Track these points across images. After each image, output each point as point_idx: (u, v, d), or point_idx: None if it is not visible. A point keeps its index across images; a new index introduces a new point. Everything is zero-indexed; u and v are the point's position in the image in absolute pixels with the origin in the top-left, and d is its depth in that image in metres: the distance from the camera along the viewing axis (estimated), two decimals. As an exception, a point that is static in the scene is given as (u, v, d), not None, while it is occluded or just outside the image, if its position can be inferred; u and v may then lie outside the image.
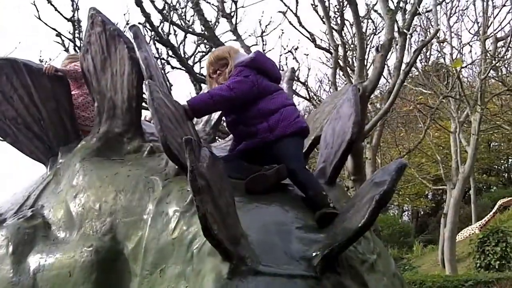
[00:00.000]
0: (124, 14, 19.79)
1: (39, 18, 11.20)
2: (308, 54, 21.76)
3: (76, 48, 11.19)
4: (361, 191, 2.90)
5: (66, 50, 11.30)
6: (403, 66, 11.19)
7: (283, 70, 13.58)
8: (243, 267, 2.57)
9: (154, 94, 3.08)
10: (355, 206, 2.77)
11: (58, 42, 11.30)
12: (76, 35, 11.24)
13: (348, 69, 12.67)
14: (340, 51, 11.41)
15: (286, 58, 15.27)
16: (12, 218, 3.90)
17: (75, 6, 11.38)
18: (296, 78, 13.85)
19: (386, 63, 14.04)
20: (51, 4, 11.01)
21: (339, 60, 11.35)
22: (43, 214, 3.81)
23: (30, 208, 3.94)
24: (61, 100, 4.25)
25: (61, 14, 11.15)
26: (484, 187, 33.98)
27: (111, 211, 3.45)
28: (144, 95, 3.57)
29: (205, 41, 11.54)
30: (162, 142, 2.96)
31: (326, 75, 15.98)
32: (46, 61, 12.37)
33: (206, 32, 10.75)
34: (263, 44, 13.23)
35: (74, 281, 3.24)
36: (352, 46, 13.92)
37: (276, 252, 2.73)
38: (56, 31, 11.30)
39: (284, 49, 14.23)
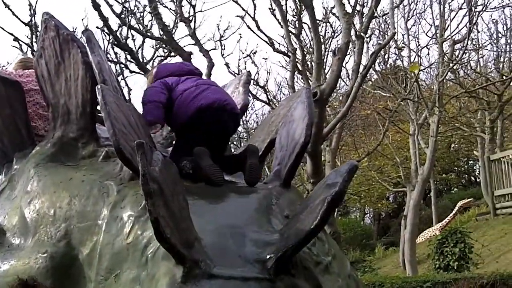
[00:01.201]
0: (82, 19, 19.62)
1: (-4, 23, 11.04)
2: (267, 58, 21.96)
3: (34, 53, 11.01)
4: (314, 193, 2.95)
5: (24, 54, 11.14)
6: (361, 69, 11.34)
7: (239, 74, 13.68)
8: (197, 270, 2.58)
9: (106, 98, 3.08)
10: (308, 208, 2.80)
11: (15, 47, 11.17)
12: (34, 39, 11.08)
13: (307, 72, 12.78)
14: (298, 54, 11.52)
15: (245, 62, 15.33)
16: (-36, 227, 3.83)
17: (32, 10, 11.23)
18: (255, 82, 13.93)
19: (344, 66, 14.23)
20: (9, 9, 10.83)
21: (297, 64, 11.45)
22: (-3, 221, 3.76)
23: (-16, 215, 3.88)
24: (16, 106, 4.18)
25: (18, 18, 11.00)
26: (445, 188, 34.57)
27: (65, 216, 3.43)
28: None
29: (164, 45, 11.51)
30: (115, 146, 2.96)
31: (286, 78, 16.10)
32: (4, 66, 12.15)
33: (164, 36, 10.71)
34: (222, 49, 13.28)
35: (28, 288, 3.20)
36: (310, 49, 14.04)
37: (230, 255, 2.74)
38: (13, 35, 11.14)
39: (243, 53, 14.29)
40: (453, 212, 22.08)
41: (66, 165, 3.82)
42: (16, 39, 11.27)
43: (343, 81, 17.78)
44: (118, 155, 2.98)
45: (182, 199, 2.72)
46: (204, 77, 4.64)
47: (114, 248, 3.08)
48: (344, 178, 2.67)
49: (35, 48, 10.98)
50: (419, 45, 20.21)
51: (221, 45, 12.93)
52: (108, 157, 3.79)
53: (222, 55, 13.20)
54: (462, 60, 19.13)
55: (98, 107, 3.74)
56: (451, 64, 17.62)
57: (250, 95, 13.17)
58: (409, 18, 18.79)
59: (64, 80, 3.96)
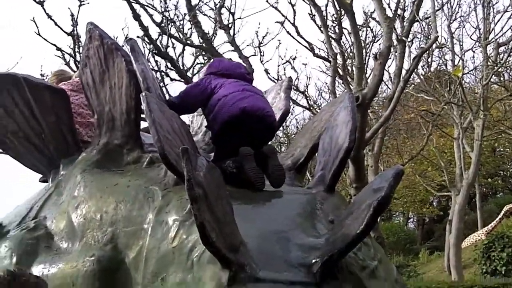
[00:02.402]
0: (123, 29, 19.89)
1: (39, 34, 11.27)
2: (307, 64, 21.82)
3: (76, 62, 11.24)
4: (359, 198, 2.92)
5: (67, 64, 11.37)
6: (403, 73, 11.23)
7: (280, 80, 13.67)
8: (242, 274, 2.59)
9: (151, 106, 3.12)
10: (353, 213, 2.78)
11: (58, 56, 11.39)
12: (76, 49, 11.29)
13: (348, 77, 12.71)
14: (339, 59, 11.45)
15: (285, 68, 15.27)
16: (15, 230, 3.93)
17: (74, 21, 11.45)
18: (295, 88, 13.90)
19: (386, 70, 14.09)
20: (51, 19, 11.08)
21: (338, 69, 11.38)
22: (46, 225, 3.85)
23: (33, 219, 3.98)
24: (61, 113, 4.28)
25: (61, 28, 11.22)
26: (490, 193, 33.88)
27: (112, 221, 3.48)
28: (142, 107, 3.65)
29: (204, 52, 11.58)
30: (160, 152, 2.99)
31: (326, 83, 16.03)
32: (47, 75, 12.44)
33: (204, 44, 10.81)
34: (261, 55, 13.26)
35: (77, 291, 3.26)
36: (351, 54, 13.96)
37: (276, 259, 2.75)
38: (56, 46, 11.36)
39: (282, 59, 14.23)
40: (499, 216, 21.62)
41: (111, 171, 3.88)
42: (58, 49, 11.49)
43: (386, 84, 17.61)
44: (163, 160, 3.02)
45: (226, 204, 2.73)
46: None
47: (160, 252, 3.11)
48: (390, 183, 2.63)
49: (77, 58, 11.26)
50: (463, 48, 19.90)
51: (260, 52, 12.93)
52: (152, 162, 3.84)
53: (261, 61, 13.18)
54: (507, 62, 18.75)
55: (142, 115, 3.83)
56: (495, 67, 17.30)
57: (291, 100, 13.14)
58: (452, 21, 18.51)
59: (109, 88, 4.04)
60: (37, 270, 3.54)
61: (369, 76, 12.67)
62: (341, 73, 11.66)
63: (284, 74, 13.95)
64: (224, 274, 2.61)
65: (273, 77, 13.54)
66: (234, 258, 2.59)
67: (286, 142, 18.88)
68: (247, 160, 3.52)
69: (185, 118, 4.75)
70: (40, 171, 4.52)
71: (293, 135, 19.02)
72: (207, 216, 2.47)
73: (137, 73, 3.65)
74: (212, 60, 4.29)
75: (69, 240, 3.66)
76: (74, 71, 11.21)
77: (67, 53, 11.53)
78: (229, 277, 2.59)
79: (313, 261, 2.73)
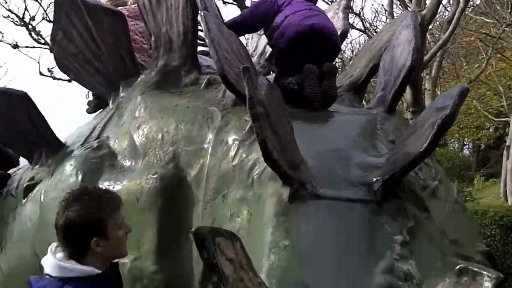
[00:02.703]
0: None
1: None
2: (364, -15, 21.11)
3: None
4: (422, 117, 2.88)
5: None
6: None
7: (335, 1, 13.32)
8: (303, 191, 2.63)
9: (210, 25, 3.10)
10: (416, 132, 2.75)
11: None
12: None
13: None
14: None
15: None
16: (79, 149, 4.06)
17: None
18: (350, 10, 13.53)
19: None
20: None
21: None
22: (109, 144, 3.95)
23: (96, 139, 4.08)
24: (119, 35, 4.29)
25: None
26: (549, 118, 32.85)
27: (173, 140, 3.55)
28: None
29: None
30: (220, 73, 2.99)
31: (382, 5, 15.51)
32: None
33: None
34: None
35: (141, 207, 3.38)
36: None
37: (336, 178, 2.77)
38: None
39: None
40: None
41: (170, 92, 3.92)
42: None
43: (444, 7, 16.93)
44: (223, 80, 3.02)
45: (287, 123, 2.74)
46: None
47: (221, 170, 3.17)
48: (454, 101, 2.58)
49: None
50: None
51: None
52: (210, 84, 3.86)
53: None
54: None
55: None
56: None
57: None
58: None
59: (165, 9, 4.02)
60: (102, 187, 3.66)
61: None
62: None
63: (339, -4, 13.56)
64: (285, 190, 2.65)
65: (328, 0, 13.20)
66: (295, 176, 2.62)
67: (341, 67, 18.60)
68: (310, 77, 3.53)
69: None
70: (101, 93, 4.60)
71: (349, 60, 18.67)
72: (268, 134, 2.49)
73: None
74: None
75: (131, 159, 3.75)
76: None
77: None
78: (290, 194, 2.63)
79: (374, 179, 2.74)
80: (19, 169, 5.04)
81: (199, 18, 3.60)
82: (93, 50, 4.35)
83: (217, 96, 3.61)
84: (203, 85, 3.87)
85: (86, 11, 4.24)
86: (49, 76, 11.27)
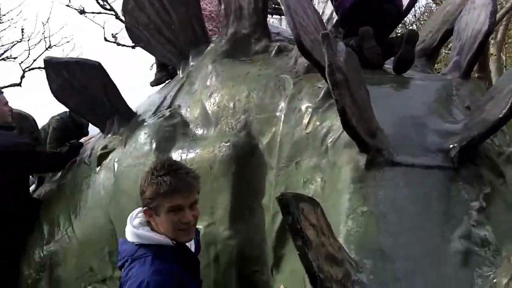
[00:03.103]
0: None
1: None
2: None
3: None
4: (500, 83, 2.83)
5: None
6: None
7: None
8: (380, 158, 2.63)
9: (286, -9, 3.10)
10: (493, 99, 2.71)
11: None
12: None
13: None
14: None
15: None
16: (152, 118, 4.16)
17: None
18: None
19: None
20: None
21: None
22: (181, 113, 4.03)
23: (168, 108, 4.17)
24: (190, 4, 4.35)
25: None
26: None
27: (244, 108, 3.59)
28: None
29: None
30: (296, 39, 2.99)
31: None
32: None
33: None
34: None
35: (214, 174, 3.44)
36: None
37: (412, 145, 2.75)
38: None
39: None
40: None
41: (241, 60, 3.96)
42: None
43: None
44: (299, 47, 3.02)
45: (364, 89, 2.74)
46: None
47: (294, 137, 3.20)
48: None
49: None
50: None
51: None
52: (281, 51, 3.88)
53: None
54: None
55: None
56: None
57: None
58: None
59: (236, -24, 4.04)
60: (176, 155, 3.74)
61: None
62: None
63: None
64: (362, 157, 2.66)
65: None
66: (372, 143, 2.63)
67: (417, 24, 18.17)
68: (366, 39, 3.54)
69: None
70: (170, 62, 4.68)
71: (411, 24, 18.25)
72: (347, 101, 2.50)
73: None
74: None
75: (204, 127, 3.82)
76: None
77: None
78: (367, 161, 2.63)
79: (451, 146, 2.71)
80: (90, 138, 5.21)
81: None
82: (164, 19, 4.42)
83: (288, 64, 3.62)
84: (273, 52, 3.89)
85: (157, -20, 4.31)
86: (114, 42, 11.50)
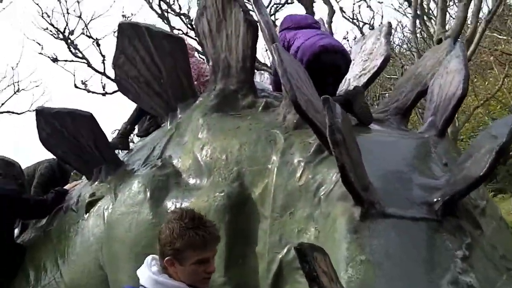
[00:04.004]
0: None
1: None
2: (382, 2, 21.39)
3: (161, 3, 11.49)
4: (478, 143, 3.15)
5: (151, 6, 11.68)
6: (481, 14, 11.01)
7: (357, 20, 13.59)
8: (373, 210, 2.90)
9: (282, 56, 3.39)
10: (473, 157, 3.03)
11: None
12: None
13: (424, 16, 12.52)
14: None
15: (359, 6, 14.97)
16: (143, 168, 4.34)
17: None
18: (371, 27, 13.84)
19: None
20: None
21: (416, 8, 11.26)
22: (172, 163, 4.21)
23: (158, 158, 4.36)
24: (179, 59, 4.58)
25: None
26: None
27: (237, 160, 3.82)
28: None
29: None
30: (292, 100, 3.27)
31: (400, 22, 15.76)
32: (129, 17, 12.82)
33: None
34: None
35: (209, 223, 3.63)
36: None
37: (400, 198, 3.04)
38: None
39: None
40: None
41: (230, 114, 4.20)
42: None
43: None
44: (295, 108, 3.29)
45: (357, 147, 3.02)
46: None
47: (287, 189, 3.45)
48: (510, 130, 2.86)
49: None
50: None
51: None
52: (267, 107, 4.15)
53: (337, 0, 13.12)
54: None
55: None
56: None
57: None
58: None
59: (225, 36, 4.32)
60: (170, 204, 3.93)
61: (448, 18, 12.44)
62: (419, 13, 11.52)
63: (359, 13, 13.87)
64: (356, 210, 2.92)
65: (348, 16, 13.48)
66: (365, 196, 2.90)
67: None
68: (357, 96, 3.92)
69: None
70: (158, 114, 4.88)
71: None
72: (345, 159, 2.77)
73: (261, 24, 3.89)
74: (283, 18, 4.83)
75: (196, 178, 4.02)
76: (158, 14, 11.53)
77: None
78: (362, 213, 2.90)
79: (435, 200, 3.02)
80: (75, 185, 5.32)
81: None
82: (154, 73, 4.64)
83: (277, 119, 3.89)
84: (260, 108, 4.16)
85: (149, 37, 4.54)
86: (84, 89, 11.68)
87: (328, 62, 4.21)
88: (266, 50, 12.09)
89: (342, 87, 4.58)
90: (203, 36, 4.51)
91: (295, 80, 3.34)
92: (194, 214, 2.67)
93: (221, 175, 3.85)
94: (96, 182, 4.76)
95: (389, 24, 5.03)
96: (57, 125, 4.70)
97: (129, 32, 4.62)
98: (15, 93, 11.85)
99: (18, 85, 12.07)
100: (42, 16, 11.37)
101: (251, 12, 4.17)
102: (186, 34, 11.80)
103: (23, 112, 12.44)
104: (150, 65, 4.65)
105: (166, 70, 4.63)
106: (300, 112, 3.28)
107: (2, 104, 11.92)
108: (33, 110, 12.87)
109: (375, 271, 2.70)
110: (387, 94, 11.54)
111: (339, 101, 3.84)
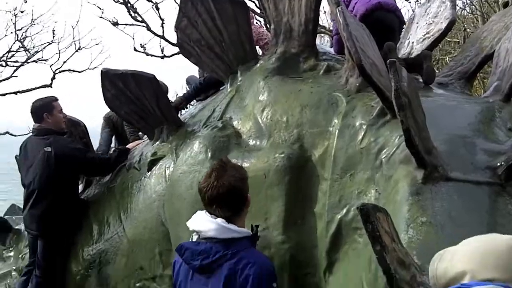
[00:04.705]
0: None
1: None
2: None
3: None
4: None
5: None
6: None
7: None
8: (436, 173, 2.91)
9: (348, 19, 3.39)
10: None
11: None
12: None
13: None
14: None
15: None
16: (204, 129, 4.44)
17: None
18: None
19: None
20: None
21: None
22: (232, 124, 4.31)
23: (219, 120, 4.46)
24: (241, 23, 4.63)
25: None
26: None
27: (297, 123, 3.88)
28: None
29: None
30: (357, 63, 3.29)
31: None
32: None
33: None
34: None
35: (269, 182, 3.71)
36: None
37: (463, 162, 3.03)
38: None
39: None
40: None
41: (291, 77, 4.24)
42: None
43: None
44: (360, 71, 3.31)
45: (421, 111, 3.02)
46: None
47: (348, 151, 3.49)
48: None
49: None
50: None
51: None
52: (329, 70, 4.18)
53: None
54: None
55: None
56: None
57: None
58: None
59: (288, 0, 4.33)
60: (231, 163, 4.02)
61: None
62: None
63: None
64: (419, 172, 2.93)
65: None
66: (429, 160, 2.91)
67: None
68: (426, 58, 4.01)
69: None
70: (219, 76, 4.96)
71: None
72: (410, 122, 2.78)
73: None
74: None
75: (256, 139, 4.10)
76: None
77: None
78: (424, 176, 2.91)
79: (498, 164, 3.00)
80: (137, 144, 5.50)
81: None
82: (215, 36, 4.71)
83: (339, 82, 3.91)
84: (322, 71, 4.18)
85: (212, 1, 4.59)
86: (143, 52, 11.85)
87: (381, 19, 4.30)
88: (325, 12, 11.88)
89: (405, 50, 4.55)
90: (265, 0, 4.53)
91: (360, 43, 3.34)
92: None
93: (282, 137, 3.92)
94: (158, 142, 4.90)
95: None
96: (121, 86, 4.84)
97: (191, -5, 4.68)
98: (76, 51, 12.13)
99: (79, 43, 12.35)
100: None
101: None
102: None
103: (84, 70, 12.74)
104: (212, 28, 4.70)
105: (228, 33, 4.68)
106: (365, 75, 3.29)
107: (64, 62, 12.26)
108: (93, 68, 13.26)
109: (437, 233, 2.72)
110: (447, 58, 11.26)
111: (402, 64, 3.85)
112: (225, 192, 2.92)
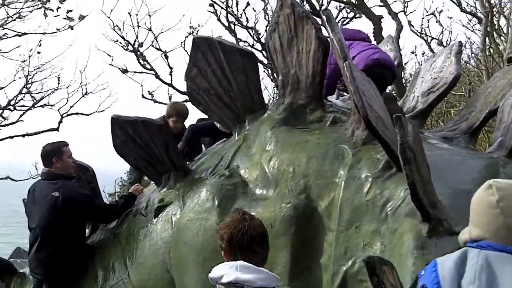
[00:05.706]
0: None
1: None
2: (452, 17, 20.87)
3: (229, 16, 11.69)
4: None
5: (218, 19, 11.90)
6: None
7: (425, 34, 13.44)
8: (440, 227, 2.95)
9: (354, 74, 3.48)
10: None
11: (210, 11, 11.92)
12: (229, 4, 11.74)
13: (494, 33, 12.27)
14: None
15: (428, 20, 14.64)
16: (211, 177, 4.49)
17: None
18: (439, 43, 13.66)
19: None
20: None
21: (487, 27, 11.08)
22: (239, 173, 4.36)
23: (226, 168, 4.51)
24: (250, 73, 4.72)
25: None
26: None
27: (304, 173, 3.93)
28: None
29: (354, 8, 11.65)
30: (363, 116, 3.36)
31: (469, 39, 15.43)
32: (196, 27, 13.08)
33: (355, 1, 10.89)
34: (405, 6, 12.99)
35: (275, 232, 3.73)
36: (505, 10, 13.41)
37: (467, 217, 3.06)
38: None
39: (427, 11, 13.93)
40: None
41: (298, 128, 4.31)
42: (212, 4, 12.00)
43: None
44: (366, 124, 3.38)
45: (426, 165, 3.07)
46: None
47: (354, 203, 3.53)
48: None
49: (229, 12, 11.77)
50: None
51: (404, 2, 12.72)
52: (335, 122, 4.24)
53: (405, 12, 12.93)
54: None
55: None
56: None
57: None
58: None
59: (296, 52, 4.43)
60: (237, 212, 4.06)
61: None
62: (488, 30, 11.30)
63: (428, 27, 13.69)
64: (424, 226, 2.97)
65: (416, 30, 13.32)
66: (433, 213, 2.95)
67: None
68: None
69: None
70: (226, 125, 5.03)
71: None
72: (416, 176, 2.83)
73: (334, 42, 3.97)
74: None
75: (263, 188, 4.14)
76: (225, 26, 11.81)
77: (220, 7, 11.95)
78: (429, 230, 2.95)
79: (502, 221, 3.02)
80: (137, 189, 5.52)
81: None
82: (224, 86, 4.80)
83: (345, 134, 3.97)
84: (328, 123, 4.25)
85: (221, 51, 4.71)
86: (150, 99, 12.07)
87: (379, 75, 4.47)
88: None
89: (411, 103, 4.63)
90: (273, 51, 4.64)
91: (366, 97, 3.42)
92: None
93: (288, 187, 3.96)
94: (165, 189, 4.94)
95: (460, 43, 5.04)
96: (131, 133, 4.91)
97: (202, 46, 4.80)
98: (83, 95, 12.33)
99: (86, 87, 12.53)
100: (113, 29, 11.83)
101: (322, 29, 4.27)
102: (252, 46, 11.99)
103: (92, 113, 12.90)
104: (221, 78, 4.80)
105: (237, 83, 4.77)
106: (371, 128, 3.35)
107: (71, 106, 12.46)
108: (101, 111, 13.41)
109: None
110: (452, 111, 11.38)
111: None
112: (256, 236, 2.83)
